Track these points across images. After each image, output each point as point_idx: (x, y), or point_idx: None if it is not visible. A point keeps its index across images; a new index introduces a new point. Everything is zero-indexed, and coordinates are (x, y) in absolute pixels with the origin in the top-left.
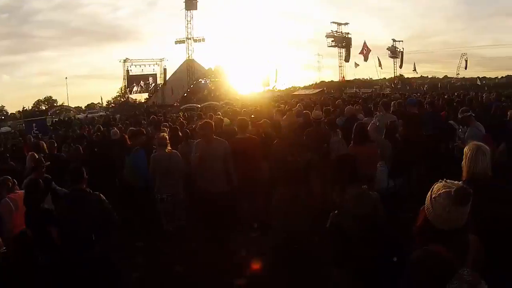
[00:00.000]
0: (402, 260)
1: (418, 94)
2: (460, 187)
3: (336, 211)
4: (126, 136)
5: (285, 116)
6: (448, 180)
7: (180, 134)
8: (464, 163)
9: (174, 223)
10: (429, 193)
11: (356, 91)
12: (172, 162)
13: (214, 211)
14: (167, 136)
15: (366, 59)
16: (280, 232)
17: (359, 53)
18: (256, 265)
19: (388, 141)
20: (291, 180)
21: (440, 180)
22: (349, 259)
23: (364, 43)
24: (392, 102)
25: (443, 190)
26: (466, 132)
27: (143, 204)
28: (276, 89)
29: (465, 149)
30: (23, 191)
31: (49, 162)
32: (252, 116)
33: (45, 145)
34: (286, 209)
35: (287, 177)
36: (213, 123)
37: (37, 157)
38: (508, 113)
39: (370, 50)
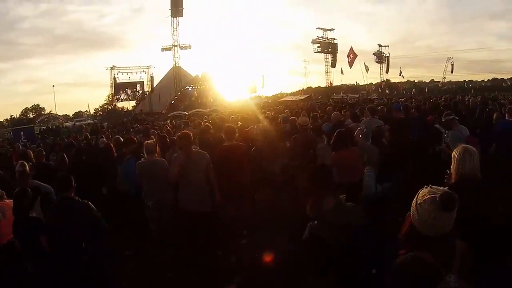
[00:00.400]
0: (382, 270)
1: (404, 98)
2: (444, 193)
3: (314, 222)
4: (112, 145)
5: (261, 124)
6: (433, 186)
7: (168, 141)
8: (452, 165)
9: (161, 229)
10: (415, 199)
11: (342, 96)
12: (156, 168)
13: (198, 231)
14: (155, 143)
15: (351, 66)
16: None
17: (347, 56)
18: (248, 270)
19: (374, 146)
20: (270, 185)
21: (425, 186)
22: (330, 267)
23: (351, 48)
24: (379, 107)
25: (428, 196)
26: None
27: (134, 211)
28: (263, 95)
29: (453, 152)
30: (11, 200)
31: (34, 172)
32: (239, 123)
33: (32, 154)
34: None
35: (265, 182)
36: (191, 134)
37: (23, 167)
38: (494, 115)
39: (357, 56)
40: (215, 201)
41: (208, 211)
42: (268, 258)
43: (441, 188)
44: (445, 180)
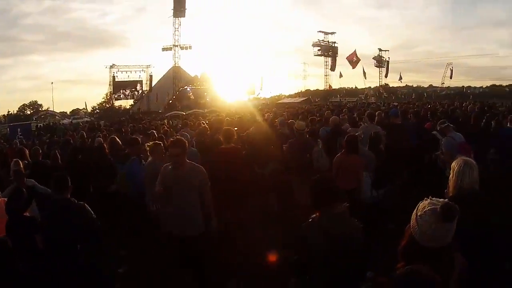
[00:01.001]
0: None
1: (398, 103)
2: (445, 204)
3: (306, 223)
4: (104, 144)
5: (252, 128)
6: (433, 198)
7: (166, 143)
8: (451, 177)
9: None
10: (415, 211)
11: (340, 100)
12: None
13: (189, 256)
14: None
15: (354, 67)
16: None
17: (347, 58)
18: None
19: (371, 152)
20: (258, 190)
21: (425, 198)
22: (310, 271)
23: (354, 51)
24: (377, 112)
25: (429, 207)
26: None
27: (135, 212)
28: (261, 97)
29: (452, 164)
30: (4, 199)
31: (29, 171)
32: (236, 128)
33: (27, 152)
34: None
35: (254, 187)
36: (186, 142)
37: (18, 166)
38: (493, 123)
39: (360, 60)
40: (210, 227)
41: (200, 234)
42: (262, 262)
43: (441, 200)
44: (445, 192)
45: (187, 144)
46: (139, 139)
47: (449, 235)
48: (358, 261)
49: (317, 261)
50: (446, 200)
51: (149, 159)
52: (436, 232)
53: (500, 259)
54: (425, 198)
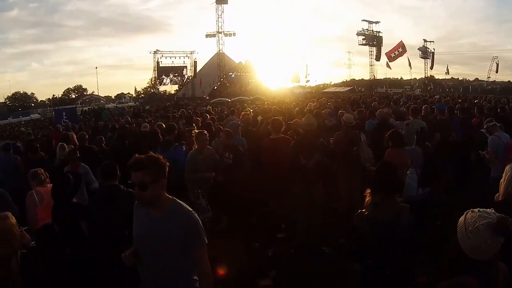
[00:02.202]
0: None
1: (438, 96)
2: (501, 218)
3: (357, 213)
4: (158, 130)
5: (304, 118)
6: (481, 209)
7: (213, 129)
8: (502, 182)
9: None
10: (463, 223)
11: (386, 90)
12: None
13: None
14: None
15: (392, 60)
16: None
17: (386, 54)
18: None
19: (419, 148)
20: (303, 180)
21: (471, 210)
22: (364, 256)
23: (400, 43)
24: (423, 106)
25: (483, 222)
26: None
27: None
28: (306, 85)
29: (506, 168)
30: (51, 185)
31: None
32: (282, 117)
33: (74, 136)
34: (300, 207)
35: (299, 178)
36: (160, 159)
37: (67, 148)
38: None
39: (406, 51)
40: None
41: None
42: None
43: (490, 210)
44: (494, 198)
45: (164, 164)
46: (176, 125)
47: (498, 247)
48: (405, 246)
49: (368, 247)
50: (497, 214)
51: (194, 147)
52: (490, 247)
53: None
54: (471, 210)
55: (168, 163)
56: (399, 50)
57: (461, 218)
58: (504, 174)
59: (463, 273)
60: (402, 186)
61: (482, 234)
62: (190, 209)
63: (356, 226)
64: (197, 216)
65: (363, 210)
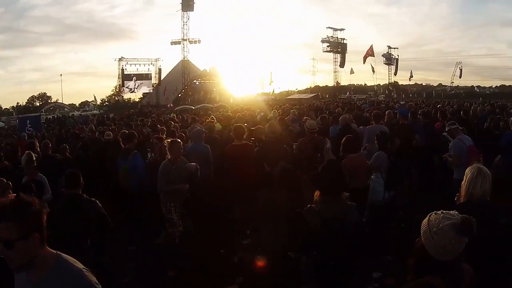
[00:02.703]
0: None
1: (403, 102)
2: (465, 218)
3: (308, 207)
4: (120, 139)
5: (267, 125)
6: (444, 211)
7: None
8: (463, 183)
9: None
10: (427, 225)
11: (348, 96)
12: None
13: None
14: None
15: (364, 61)
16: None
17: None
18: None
19: (383, 153)
20: (267, 187)
21: (435, 212)
22: (311, 249)
23: (371, 47)
24: (386, 112)
25: (447, 222)
26: None
27: (139, 206)
28: (272, 92)
29: (467, 170)
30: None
31: (36, 165)
32: (245, 124)
33: (37, 145)
34: (265, 214)
35: (263, 184)
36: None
37: (29, 158)
38: (500, 125)
39: (373, 56)
40: None
41: None
42: (267, 259)
43: (453, 212)
44: (455, 199)
45: (37, 212)
46: (136, 133)
47: (462, 247)
48: (352, 241)
49: (317, 241)
50: (457, 213)
51: (168, 157)
52: (455, 247)
53: (508, 269)
54: (435, 212)
55: (46, 210)
56: (369, 53)
57: (425, 220)
58: (464, 176)
59: (428, 274)
60: (347, 185)
61: (446, 235)
62: (82, 267)
63: (306, 220)
64: (91, 278)
65: (314, 206)
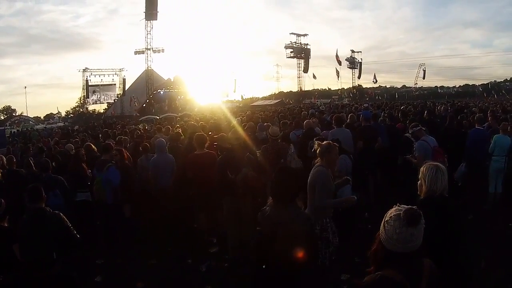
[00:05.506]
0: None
1: (367, 105)
2: (408, 208)
3: (261, 211)
4: (83, 152)
5: (230, 132)
6: (400, 205)
7: (141, 148)
8: (422, 182)
9: None
10: (384, 218)
11: (311, 101)
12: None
13: None
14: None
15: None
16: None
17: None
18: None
19: (346, 156)
20: (231, 194)
21: (393, 205)
22: (265, 257)
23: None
24: (350, 115)
25: (394, 213)
26: None
27: (111, 219)
28: (235, 99)
29: (422, 168)
30: None
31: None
32: (210, 133)
33: (3, 160)
34: (230, 221)
35: (227, 192)
36: None
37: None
38: (464, 124)
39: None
40: None
41: None
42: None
43: (406, 206)
44: (418, 193)
45: None
46: (113, 144)
47: (414, 239)
48: (303, 246)
49: (268, 243)
50: (409, 206)
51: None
52: (400, 236)
53: (470, 262)
54: (393, 206)
55: None
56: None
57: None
58: (421, 174)
59: (386, 266)
60: (299, 191)
61: (392, 224)
62: None
63: (259, 223)
64: None
65: (266, 209)
